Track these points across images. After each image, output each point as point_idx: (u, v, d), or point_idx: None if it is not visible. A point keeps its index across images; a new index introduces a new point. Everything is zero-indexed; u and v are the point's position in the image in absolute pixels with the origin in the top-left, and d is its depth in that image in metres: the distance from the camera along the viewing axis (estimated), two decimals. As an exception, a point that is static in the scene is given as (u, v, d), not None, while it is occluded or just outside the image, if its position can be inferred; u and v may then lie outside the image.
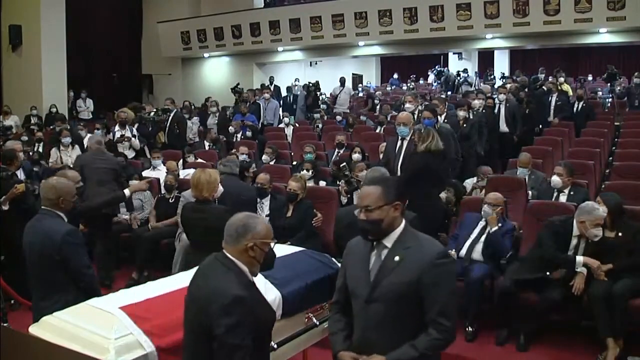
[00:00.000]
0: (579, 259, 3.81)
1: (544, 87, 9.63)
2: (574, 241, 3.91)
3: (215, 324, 1.90)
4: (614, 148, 7.68)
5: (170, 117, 8.72)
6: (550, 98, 8.90)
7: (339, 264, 3.10)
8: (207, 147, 8.32)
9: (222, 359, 1.91)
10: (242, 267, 2.04)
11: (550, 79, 10.68)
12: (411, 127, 4.90)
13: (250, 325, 1.93)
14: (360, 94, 14.60)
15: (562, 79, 10.37)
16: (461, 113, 6.60)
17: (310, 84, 11.85)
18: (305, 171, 5.87)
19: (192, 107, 11.09)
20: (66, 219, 3.01)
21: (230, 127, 8.88)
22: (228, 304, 1.91)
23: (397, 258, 2.06)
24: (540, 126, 8.44)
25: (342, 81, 12.30)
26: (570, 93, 9.99)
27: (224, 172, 4.51)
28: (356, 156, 6.47)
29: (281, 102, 11.55)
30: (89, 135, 7.66)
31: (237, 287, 1.96)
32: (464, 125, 6.55)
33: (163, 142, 8.49)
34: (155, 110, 9.42)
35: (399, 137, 4.96)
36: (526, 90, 9.54)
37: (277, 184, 5.41)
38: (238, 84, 12.77)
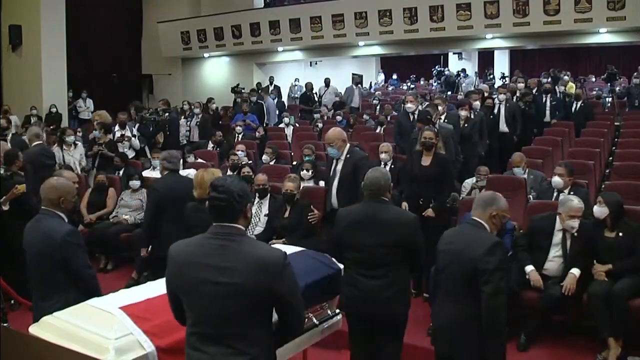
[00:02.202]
0: (528, 268, 3.96)
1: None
2: (558, 235, 3.98)
3: (482, 262, 2.54)
4: (614, 148, 7.68)
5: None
6: (544, 99, 8.91)
7: (340, 265, 3.11)
8: (210, 148, 8.34)
9: (490, 287, 2.52)
10: (488, 228, 2.70)
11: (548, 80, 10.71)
12: (340, 145, 4.39)
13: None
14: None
15: (566, 78, 10.40)
16: (463, 113, 6.58)
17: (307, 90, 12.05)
18: (305, 171, 5.87)
19: (191, 107, 11.11)
20: (66, 219, 3.01)
21: (238, 127, 8.93)
22: (492, 246, 2.57)
23: None
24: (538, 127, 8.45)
25: (327, 82, 12.42)
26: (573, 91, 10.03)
27: (167, 169, 4.42)
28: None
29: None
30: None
31: (494, 236, 2.67)
32: (465, 125, 6.54)
33: (161, 142, 8.52)
34: (149, 109, 9.45)
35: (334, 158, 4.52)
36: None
37: (277, 184, 5.40)
38: (238, 84, 12.78)
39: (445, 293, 2.76)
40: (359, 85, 12.48)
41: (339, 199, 4.47)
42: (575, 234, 3.94)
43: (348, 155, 4.46)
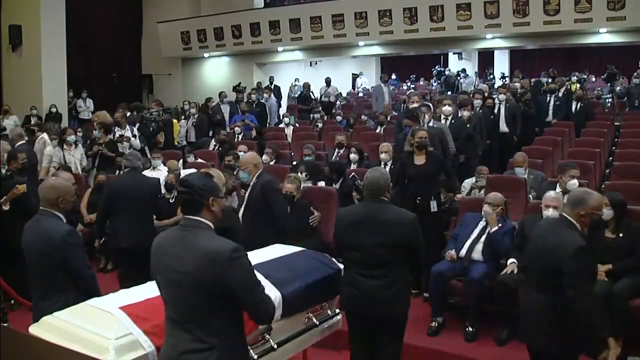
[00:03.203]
0: (509, 261, 4.07)
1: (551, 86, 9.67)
2: None
3: (567, 265, 2.60)
4: (614, 148, 7.68)
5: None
6: (548, 98, 8.91)
7: (340, 264, 3.11)
8: (212, 147, 8.33)
9: (573, 291, 2.59)
10: (578, 227, 2.75)
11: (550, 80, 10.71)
12: (251, 170, 4.22)
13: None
14: (361, 94, 14.63)
15: (574, 78, 10.40)
16: (465, 113, 6.58)
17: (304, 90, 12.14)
18: (299, 173, 5.83)
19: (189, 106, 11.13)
20: (65, 220, 3.01)
21: (237, 128, 8.91)
22: (577, 250, 2.61)
23: None
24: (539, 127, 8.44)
25: (328, 81, 12.49)
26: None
27: (126, 166, 4.47)
28: (353, 156, 6.47)
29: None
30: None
31: (581, 239, 2.68)
32: (468, 125, 6.54)
33: (162, 142, 8.51)
34: (149, 109, 9.43)
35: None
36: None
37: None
38: (239, 83, 12.79)
39: (530, 282, 2.92)
40: (387, 83, 12.44)
41: (245, 222, 4.26)
42: None
43: (255, 180, 4.24)
